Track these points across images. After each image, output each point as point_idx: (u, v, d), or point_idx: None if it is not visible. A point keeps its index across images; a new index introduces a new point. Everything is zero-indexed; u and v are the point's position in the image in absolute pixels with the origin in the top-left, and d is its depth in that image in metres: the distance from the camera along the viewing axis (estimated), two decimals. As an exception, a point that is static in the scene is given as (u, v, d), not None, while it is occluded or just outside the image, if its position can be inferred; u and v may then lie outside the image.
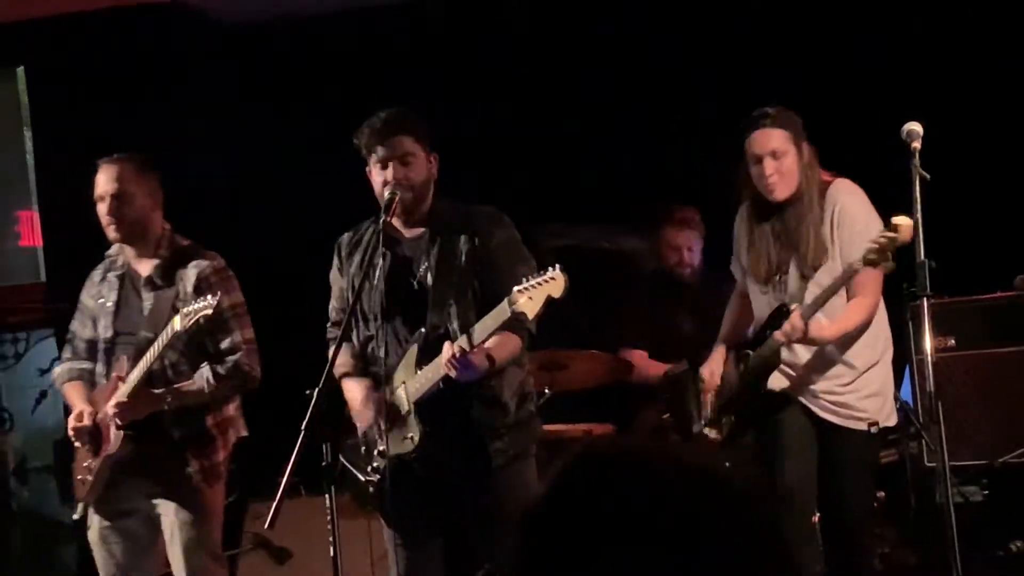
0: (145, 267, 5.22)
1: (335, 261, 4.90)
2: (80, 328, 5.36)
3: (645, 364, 6.73)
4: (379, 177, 4.67)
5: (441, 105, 6.58)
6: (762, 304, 5.08)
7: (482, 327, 4.40)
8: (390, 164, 4.64)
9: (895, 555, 6.35)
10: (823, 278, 4.86)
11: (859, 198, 4.92)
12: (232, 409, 5.25)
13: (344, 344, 4.73)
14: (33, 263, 8.42)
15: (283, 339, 5.93)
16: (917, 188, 4.42)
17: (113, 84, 7.77)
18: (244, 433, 5.25)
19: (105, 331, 5.23)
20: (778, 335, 4.82)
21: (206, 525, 5.13)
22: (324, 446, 4.42)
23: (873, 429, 4.99)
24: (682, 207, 6.81)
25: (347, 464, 4.66)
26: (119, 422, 5.00)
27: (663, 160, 7.23)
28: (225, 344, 5.10)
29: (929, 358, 4.40)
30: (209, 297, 4.85)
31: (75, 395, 5.27)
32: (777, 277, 4.98)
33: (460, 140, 5.69)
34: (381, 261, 4.68)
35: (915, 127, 4.52)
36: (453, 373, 4.40)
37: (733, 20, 7.29)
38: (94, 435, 5.13)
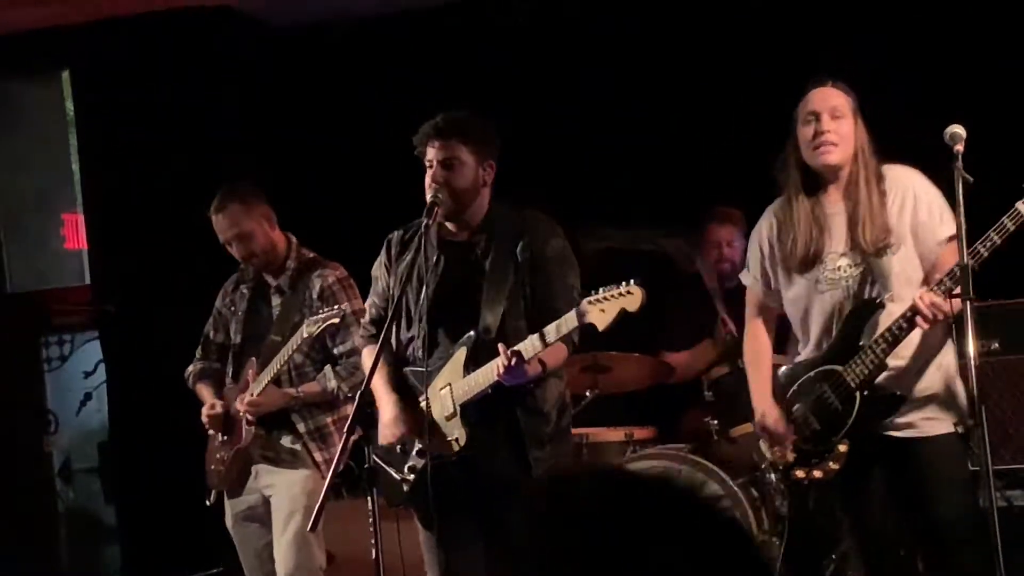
0: (274, 278, 5.59)
1: (383, 256, 4.91)
2: (212, 332, 5.78)
3: (686, 362, 6.72)
4: (427, 179, 4.68)
5: (488, 107, 6.58)
6: (815, 303, 4.65)
7: (548, 335, 4.36)
8: (433, 166, 4.65)
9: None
10: (898, 264, 4.54)
11: (927, 180, 4.62)
12: (349, 408, 5.40)
13: (376, 344, 4.76)
14: (78, 266, 8.51)
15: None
16: (960, 191, 4.39)
17: (157, 88, 7.82)
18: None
19: (235, 336, 5.65)
20: (920, 321, 4.36)
21: (310, 514, 5.35)
22: (366, 448, 4.44)
23: (960, 429, 4.58)
24: (725, 205, 6.80)
25: (380, 462, 4.66)
26: (250, 418, 5.41)
27: (708, 163, 7.22)
28: (346, 347, 5.44)
29: (972, 361, 4.36)
30: (336, 306, 5.22)
31: (206, 392, 5.70)
32: (834, 267, 4.58)
33: (505, 142, 5.68)
34: (434, 263, 4.69)
35: (958, 130, 4.47)
36: (506, 378, 4.40)
37: (783, 21, 7.27)
38: (227, 425, 5.55)
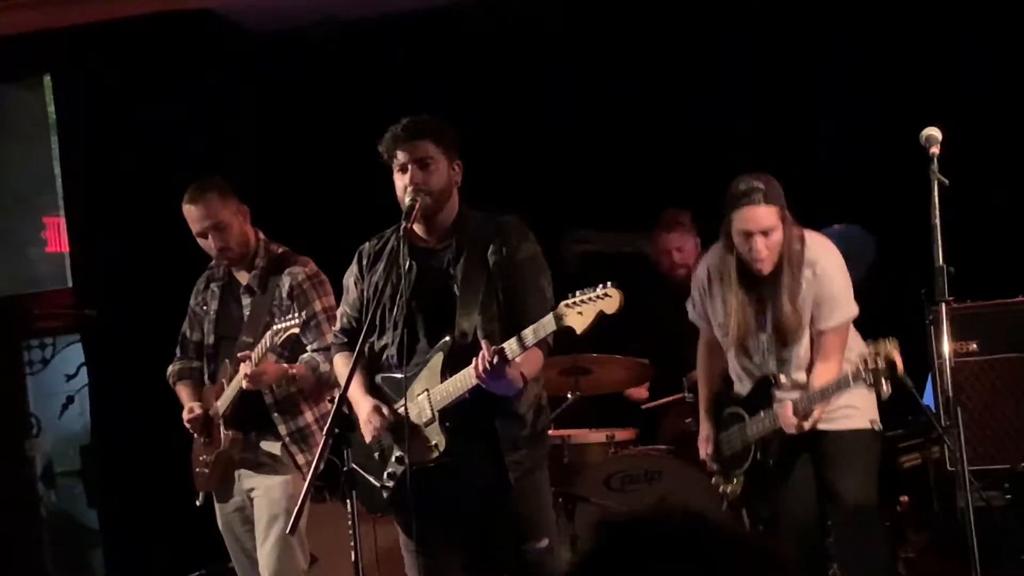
0: (244, 276, 5.54)
1: (354, 267, 4.90)
2: (189, 331, 5.74)
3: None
4: (400, 182, 4.66)
5: (468, 111, 6.61)
6: (737, 360, 5.22)
7: (526, 338, 4.34)
8: (410, 168, 4.64)
9: (920, 559, 6.34)
10: (801, 351, 5.06)
11: (836, 259, 5.06)
12: (328, 404, 5.50)
13: (350, 351, 4.77)
14: (60, 269, 8.50)
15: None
16: (936, 193, 4.43)
17: (139, 92, 7.83)
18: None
19: (208, 336, 5.62)
20: (786, 429, 4.94)
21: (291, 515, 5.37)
22: (345, 452, 4.45)
23: (876, 426, 5.10)
24: (670, 209, 6.81)
25: (357, 468, 4.65)
26: (242, 386, 5.28)
27: (684, 165, 7.25)
28: (320, 344, 5.35)
29: (948, 363, 4.41)
30: (298, 313, 5.15)
31: (185, 393, 5.68)
32: (754, 341, 5.12)
33: (486, 146, 5.66)
34: (407, 270, 4.69)
35: (934, 132, 4.53)
36: (485, 382, 4.40)
37: (747, 28, 7.31)
38: (207, 427, 5.52)
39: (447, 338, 4.57)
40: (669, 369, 6.66)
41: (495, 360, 4.31)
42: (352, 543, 4.45)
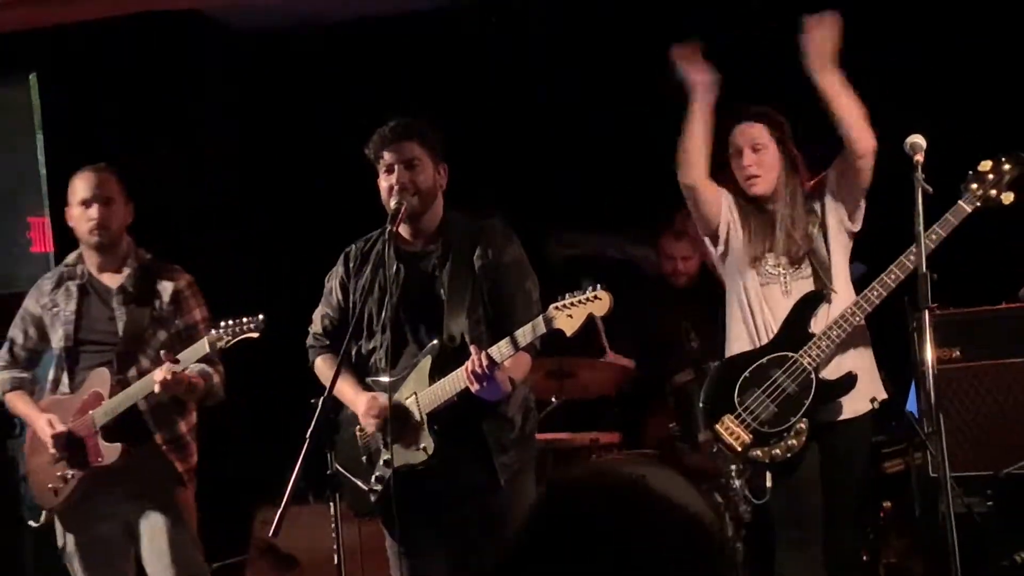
0: (112, 279, 5.30)
1: (339, 268, 4.90)
2: (22, 336, 5.42)
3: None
4: (385, 183, 4.68)
5: (455, 114, 6.61)
6: (755, 293, 4.94)
7: (513, 342, 4.37)
8: (396, 168, 4.65)
9: (901, 565, 6.36)
10: (838, 255, 4.92)
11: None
12: (195, 417, 5.34)
13: (332, 354, 4.77)
14: (45, 269, 8.43)
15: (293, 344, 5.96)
16: (920, 201, 4.45)
17: (125, 91, 7.81)
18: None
19: (64, 340, 5.25)
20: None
21: (189, 524, 5.26)
22: (328, 454, 4.45)
23: (875, 404, 4.95)
24: (681, 216, 6.81)
25: (344, 471, 4.65)
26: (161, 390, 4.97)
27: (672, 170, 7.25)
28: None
29: (931, 369, 4.43)
30: (256, 318, 4.92)
31: (23, 405, 5.37)
32: (775, 263, 4.92)
33: (474, 149, 5.65)
34: (394, 273, 4.69)
35: (918, 140, 4.55)
36: (475, 387, 4.40)
37: (739, 25, 7.32)
38: (72, 443, 5.18)
39: (435, 341, 4.58)
40: (652, 373, 6.67)
41: (485, 364, 4.33)
42: (335, 546, 4.45)
